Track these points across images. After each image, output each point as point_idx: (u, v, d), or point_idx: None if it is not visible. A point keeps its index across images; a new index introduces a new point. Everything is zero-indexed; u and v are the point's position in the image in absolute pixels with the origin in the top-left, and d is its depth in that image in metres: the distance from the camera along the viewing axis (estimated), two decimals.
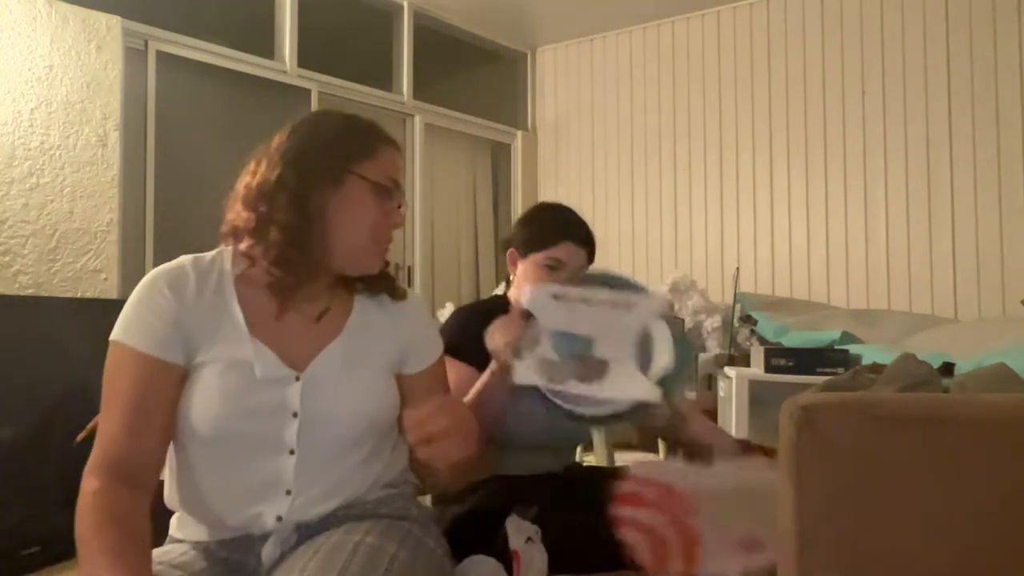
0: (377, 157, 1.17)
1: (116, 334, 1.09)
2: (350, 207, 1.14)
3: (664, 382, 1.21)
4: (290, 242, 1.10)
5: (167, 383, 1.06)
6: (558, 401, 1.20)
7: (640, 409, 1.21)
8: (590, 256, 1.74)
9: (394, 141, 1.22)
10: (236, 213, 1.14)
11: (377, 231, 1.17)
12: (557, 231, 1.67)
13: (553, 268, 1.67)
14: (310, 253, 1.12)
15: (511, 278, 1.72)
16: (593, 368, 1.19)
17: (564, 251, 1.67)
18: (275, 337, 1.11)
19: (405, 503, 1.20)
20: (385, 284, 1.23)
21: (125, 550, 0.97)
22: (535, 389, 1.20)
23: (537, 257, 1.67)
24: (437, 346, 1.30)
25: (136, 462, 1.04)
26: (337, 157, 1.14)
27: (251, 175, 1.14)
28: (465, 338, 1.52)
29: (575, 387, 1.19)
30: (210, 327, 1.09)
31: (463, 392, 1.47)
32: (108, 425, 1.06)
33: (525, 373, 1.20)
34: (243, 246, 1.14)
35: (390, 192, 1.17)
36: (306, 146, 1.14)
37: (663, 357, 1.21)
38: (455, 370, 1.50)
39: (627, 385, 1.19)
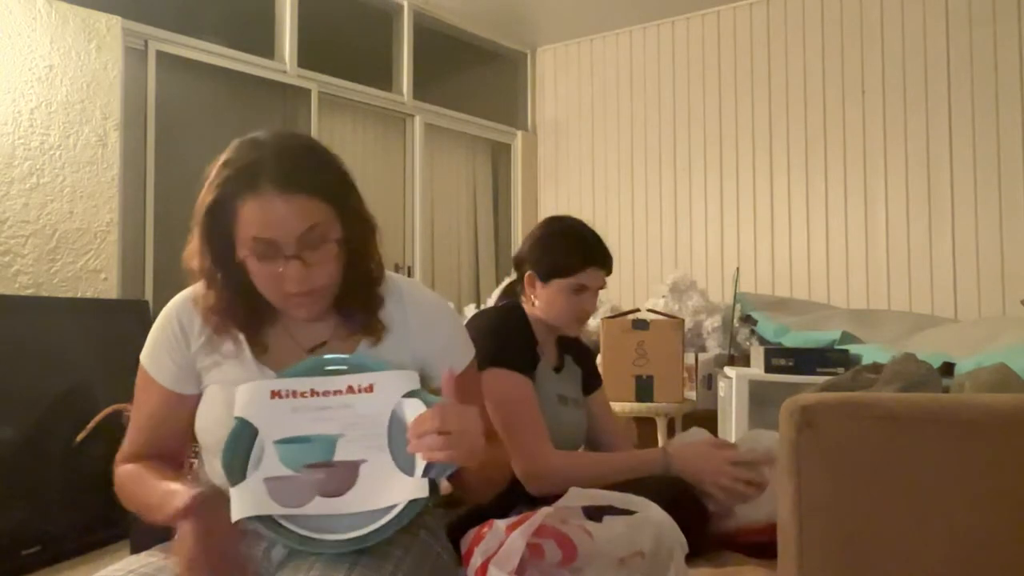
0: (239, 219, 1.05)
1: (142, 357, 1.18)
2: (247, 270, 1.08)
3: (435, 467, 0.96)
4: (226, 305, 1.12)
5: (184, 409, 1.16)
6: (295, 528, 0.96)
7: (409, 510, 0.96)
8: (607, 275, 1.74)
9: (262, 184, 1.03)
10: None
11: (277, 291, 1.08)
12: (583, 257, 1.67)
13: (578, 293, 1.67)
14: (251, 305, 1.12)
15: (533, 299, 1.71)
16: (341, 477, 0.96)
17: (589, 277, 1.68)
18: (277, 365, 1.13)
19: None
20: (363, 321, 1.14)
21: (172, 474, 1.11)
22: (264, 521, 0.95)
23: (562, 284, 1.67)
24: (462, 356, 1.21)
25: (159, 456, 1.17)
26: (216, 224, 1.07)
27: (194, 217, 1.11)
28: (509, 346, 1.55)
29: (321, 506, 0.94)
30: (217, 353, 1.14)
31: (516, 401, 1.48)
32: (134, 431, 1.19)
33: (247, 503, 0.94)
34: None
35: (265, 253, 1.05)
36: (204, 209, 1.07)
37: None
38: (502, 380, 1.51)
39: (384, 487, 0.95)
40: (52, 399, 2.57)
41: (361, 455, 0.98)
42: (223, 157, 1.09)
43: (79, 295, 3.05)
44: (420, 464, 0.96)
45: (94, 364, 2.69)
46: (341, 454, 0.98)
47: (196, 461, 1.21)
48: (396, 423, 1.00)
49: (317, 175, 1.08)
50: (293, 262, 1.04)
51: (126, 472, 1.16)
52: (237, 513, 0.94)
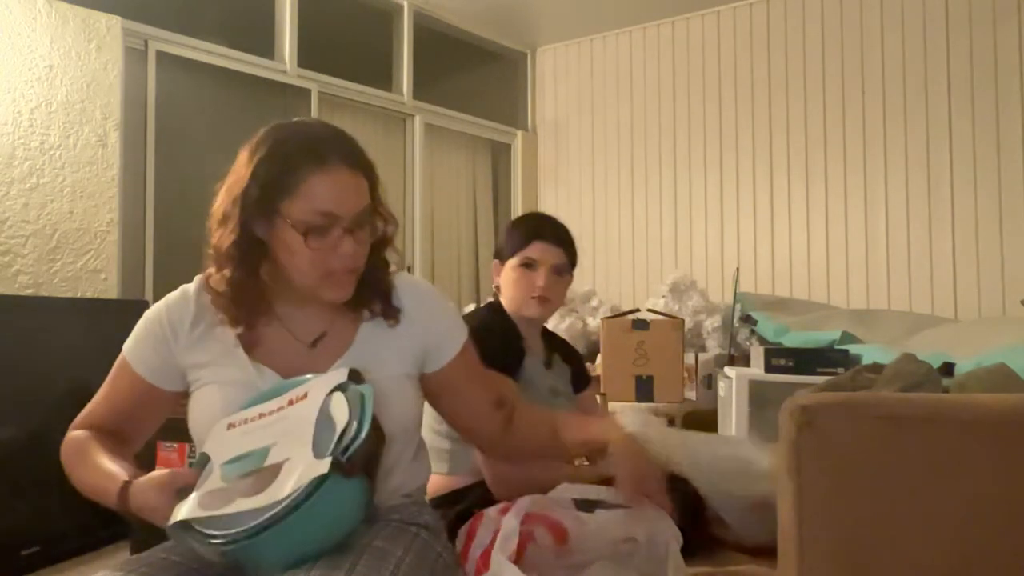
0: (301, 192, 1.06)
1: (125, 348, 1.18)
2: (284, 249, 1.09)
3: (349, 446, 0.99)
4: (237, 286, 1.11)
5: (158, 403, 1.17)
6: (211, 531, 0.98)
7: (312, 488, 0.96)
8: (570, 257, 1.79)
9: (330, 158, 1.07)
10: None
11: (322, 268, 1.09)
12: (528, 232, 1.76)
13: (529, 267, 1.74)
14: (258, 292, 1.13)
15: (495, 288, 1.79)
16: (265, 478, 1.00)
17: (536, 250, 1.75)
18: (276, 361, 1.13)
19: (418, 510, 1.21)
20: (381, 307, 1.18)
21: (119, 451, 1.11)
22: (187, 530, 0.99)
23: (513, 262, 1.75)
24: (460, 334, 1.24)
25: (114, 433, 1.17)
26: (264, 198, 1.07)
27: (218, 200, 1.12)
28: (488, 345, 1.55)
29: (239, 504, 0.99)
30: (208, 352, 1.14)
31: None
32: (97, 404, 1.18)
33: (180, 513, 0.99)
34: (211, 273, 1.16)
35: (324, 227, 1.07)
36: (247, 185, 1.08)
37: (341, 422, 1.02)
38: None
39: (293, 474, 0.99)
40: (52, 399, 2.57)
41: (288, 455, 1.01)
42: (267, 139, 1.09)
43: (79, 295, 3.05)
44: (329, 445, 1.00)
45: (94, 364, 2.67)
46: (272, 459, 1.02)
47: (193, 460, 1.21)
48: (322, 418, 1.04)
49: (366, 159, 1.14)
50: (348, 237, 1.08)
51: (75, 439, 1.15)
52: (172, 519, 0.99)
